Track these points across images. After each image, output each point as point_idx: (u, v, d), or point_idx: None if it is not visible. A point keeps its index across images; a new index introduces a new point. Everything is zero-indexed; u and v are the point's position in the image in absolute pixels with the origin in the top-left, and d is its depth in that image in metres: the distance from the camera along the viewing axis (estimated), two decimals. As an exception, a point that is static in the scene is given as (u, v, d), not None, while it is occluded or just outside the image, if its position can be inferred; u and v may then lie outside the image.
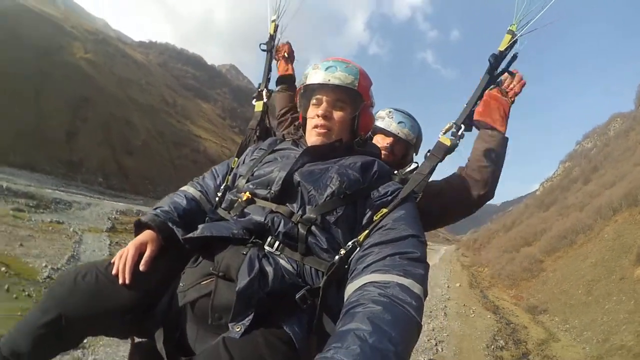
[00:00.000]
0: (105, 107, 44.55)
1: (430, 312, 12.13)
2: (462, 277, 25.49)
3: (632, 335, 11.20)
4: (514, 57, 1.46)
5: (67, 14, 65.93)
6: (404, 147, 2.04)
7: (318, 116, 1.42)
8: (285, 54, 2.16)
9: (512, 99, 1.60)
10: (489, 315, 14.01)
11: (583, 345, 12.10)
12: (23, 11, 48.30)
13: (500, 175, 1.60)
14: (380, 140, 2.03)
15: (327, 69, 1.44)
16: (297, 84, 1.58)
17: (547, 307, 16.87)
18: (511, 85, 1.59)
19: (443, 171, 1.71)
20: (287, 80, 2.17)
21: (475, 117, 1.55)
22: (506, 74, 1.56)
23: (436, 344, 9.05)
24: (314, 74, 1.45)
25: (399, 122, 2.03)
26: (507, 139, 1.59)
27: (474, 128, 1.56)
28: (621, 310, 13.09)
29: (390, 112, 2.08)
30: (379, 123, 2.05)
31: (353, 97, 1.45)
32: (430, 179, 1.53)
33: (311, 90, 1.48)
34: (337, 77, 1.41)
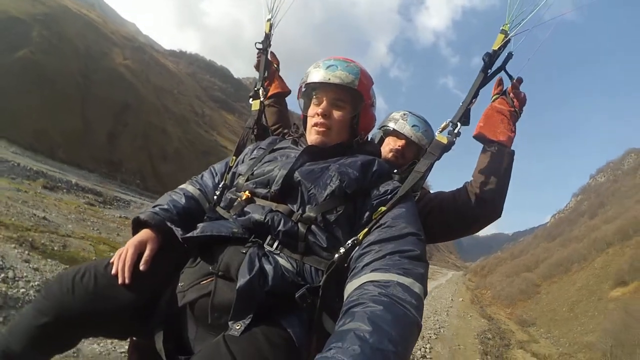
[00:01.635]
0: (144, 114, 48.34)
1: (436, 311, 15.74)
2: (465, 295, 28.74)
3: (595, 339, 14.64)
4: (509, 55, 1.49)
5: (104, 19, 69.02)
6: (415, 151, 1.96)
7: (318, 114, 1.43)
8: (277, 68, 2.13)
9: (519, 110, 1.55)
10: (483, 320, 17.49)
11: (557, 347, 15.57)
12: (68, 14, 51.91)
13: (506, 192, 1.53)
14: (391, 142, 1.99)
15: (327, 67, 1.44)
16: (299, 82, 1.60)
17: (535, 321, 20.23)
18: (513, 94, 1.54)
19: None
20: (276, 95, 2.13)
21: (477, 131, 1.54)
22: (504, 80, 1.58)
23: (439, 327, 12.71)
24: (315, 72, 1.46)
25: (412, 126, 1.95)
26: (512, 152, 1.51)
27: (471, 123, 1.49)
28: (592, 322, 16.55)
29: (404, 114, 2.02)
30: (392, 124, 2.00)
31: (353, 97, 1.45)
32: (440, 191, 1.68)
33: (312, 88, 1.49)
34: (337, 76, 1.42)
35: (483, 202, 1.50)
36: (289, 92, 2.11)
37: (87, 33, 51.86)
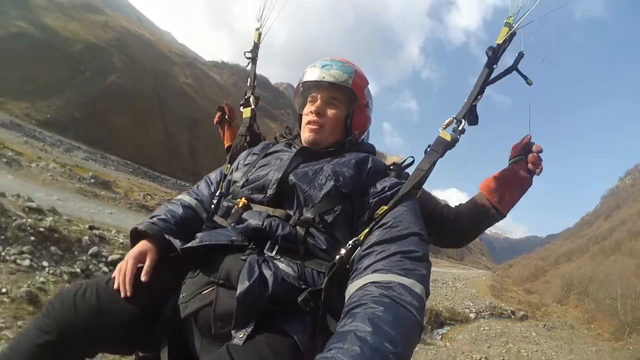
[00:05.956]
0: (210, 128, 58.26)
1: (466, 276, 26.62)
2: (489, 279, 39.26)
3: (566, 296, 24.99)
4: (520, 55, 1.46)
5: (155, 36, 78.57)
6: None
7: (312, 112, 1.49)
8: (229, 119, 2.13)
9: (532, 176, 1.51)
10: (497, 284, 28.20)
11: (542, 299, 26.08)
12: (131, 36, 60.38)
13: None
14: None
15: (323, 67, 1.51)
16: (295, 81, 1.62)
17: (536, 291, 30.50)
18: (533, 164, 1.47)
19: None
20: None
21: (484, 190, 1.53)
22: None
23: (467, 278, 24.06)
24: (311, 72, 1.53)
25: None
26: (503, 218, 1.55)
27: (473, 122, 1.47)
28: (566, 284, 26.94)
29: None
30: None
31: (347, 96, 1.51)
32: (432, 196, 1.70)
33: (307, 87, 1.56)
34: (331, 74, 1.48)
35: (460, 238, 1.62)
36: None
37: (149, 52, 61.20)
